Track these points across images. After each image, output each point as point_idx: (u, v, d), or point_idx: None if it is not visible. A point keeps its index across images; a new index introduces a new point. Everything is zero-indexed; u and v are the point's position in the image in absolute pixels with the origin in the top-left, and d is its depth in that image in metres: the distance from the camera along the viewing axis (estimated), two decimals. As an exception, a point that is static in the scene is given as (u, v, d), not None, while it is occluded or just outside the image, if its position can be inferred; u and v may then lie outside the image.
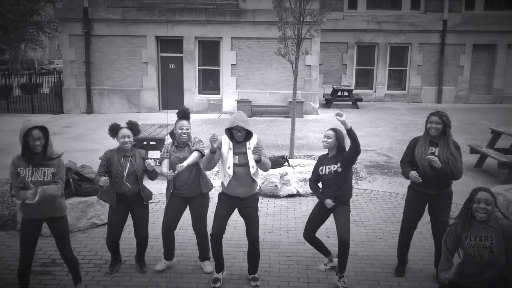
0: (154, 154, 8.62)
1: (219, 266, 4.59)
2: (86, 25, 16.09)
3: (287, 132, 11.50)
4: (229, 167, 4.34)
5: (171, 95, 16.84)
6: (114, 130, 4.63)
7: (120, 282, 4.68)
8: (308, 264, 5.06)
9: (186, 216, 4.88)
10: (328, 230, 5.64)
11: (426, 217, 4.76)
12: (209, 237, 4.50)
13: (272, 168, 7.56)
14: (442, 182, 4.47)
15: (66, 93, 16.84)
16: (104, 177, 4.33)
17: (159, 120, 13.13)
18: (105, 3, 16.11)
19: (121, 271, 4.88)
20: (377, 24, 19.18)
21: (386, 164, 9.57)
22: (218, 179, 6.61)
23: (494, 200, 3.27)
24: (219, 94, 16.86)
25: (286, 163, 7.78)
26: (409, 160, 4.62)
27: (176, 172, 4.44)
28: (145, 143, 8.67)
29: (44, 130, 3.94)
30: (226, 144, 4.39)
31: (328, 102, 18.25)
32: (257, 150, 4.20)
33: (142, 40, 16.36)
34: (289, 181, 7.38)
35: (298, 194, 7.41)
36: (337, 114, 4.26)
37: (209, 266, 4.89)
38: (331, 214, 4.65)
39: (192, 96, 16.74)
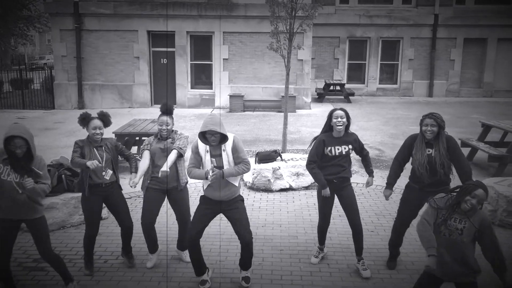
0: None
1: (199, 270, 4.44)
2: (76, 20, 15.95)
3: (280, 126, 11.52)
4: (212, 167, 4.21)
5: (163, 90, 16.78)
6: (85, 120, 4.51)
7: (113, 277, 4.69)
8: (301, 258, 5.10)
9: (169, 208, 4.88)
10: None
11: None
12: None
13: (265, 162, 7.59)
14: (436, 183, 4.45)
15: (57, 88, 16.71)
16: (93, 161, 4.28)
17: (151, 115, 13.11)
18: (96, -3, 16.00)
19: (114, 267, 4.89)
20: (369, 18, 19.21)
21: (378, 158, 9.63)
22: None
23: (485, 199, 3.35)
24: (211, 89, 16.82)
25: (279, 158, 7.81)
26: (403, 158, 4.66)
27: (160, 175, 4.39)
28: (137, 138, 8.65)
29: (26, 140, 3.84)
30: (202, 147, 4.28)
31: (320, 97, 18.29)
32: (214, 173, 4.09)
33: (133, 34, 16.26)
34: (282, 176, 7.41)
35: (290, 188, 7.44)
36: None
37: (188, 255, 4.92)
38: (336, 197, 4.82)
39: (185, 91, 16.70)
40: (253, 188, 7.45)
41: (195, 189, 7.33)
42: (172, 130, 4.73)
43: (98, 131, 4.48)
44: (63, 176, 5.96)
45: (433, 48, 19.26)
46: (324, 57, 19.97)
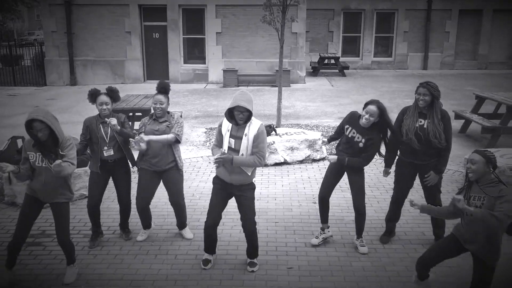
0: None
1: (211, 249, 4.41)
2: (66, -6, 15.64)
3: (274, 101, 11.49)
4: (225, 150, 4.08)
5: (156, 65, 16.61)
6: (93, 96, 4.56)
7: (110, 251, 4.74)
8: (296, 230, 5.17)
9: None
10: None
11: (415, 187, 4.83)
12: (203, 229, 4.31)
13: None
14: (429, 153, 4.46)
15: (48, 64, 16.50)
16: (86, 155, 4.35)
17: (144, 91, 13.01)
18: (85, -30, 15.64)
19: (111, 241, 4.94)
20: (364, -10, 18.98)
21: (372, 131, 9.65)
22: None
23: (482, 160, 3.32)
24: (204, 63, 16.67)
25: (273, 132, 7.82)
26: (399, 129, 4.57)
27: (135, 141, 4.38)
28: (130, 114, 8.61)
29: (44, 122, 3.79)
30: (226, 125, 4.12)
31: (315, 70, 18.19)
32: (220, 156, 3.93)
33: (124, 9, 15.98)
34: (277, 150, 7.43)
35: (285, 163, 7.48)
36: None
37: (189, 232, 4.99)
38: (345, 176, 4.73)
39: (178, 66, 16.54)
40: (248, 162, 7.48)
41: (190, 164, 7.36)
42: (168, 112, 4.70)
43: (105, 107, 4.51)
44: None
45: (428, 20, 19.10)
46: (318, 30, 19.77)
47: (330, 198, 4.82)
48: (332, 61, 18.12)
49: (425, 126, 4.40)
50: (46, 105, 12.86)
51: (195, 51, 16.87)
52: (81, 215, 5.58)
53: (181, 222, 4.98)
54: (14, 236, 4.04)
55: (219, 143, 4.20)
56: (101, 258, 4.59)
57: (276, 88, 10.51)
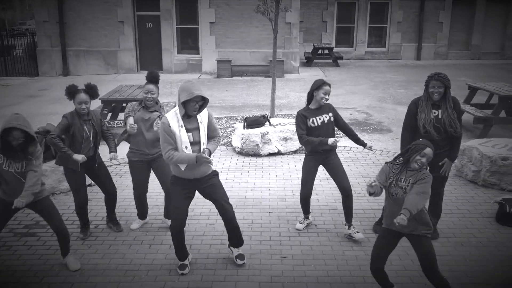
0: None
1: (182, 255, 4.16)
2: (57, -17, 15.45)
3: (268, 91, 11.48)
4: (186, 147, 3.81)
5: (149, 56, 16.51)
6: (71, 93, 4.42)
7: (104, 241, 4.76)
8: (289, 219, 5.21)
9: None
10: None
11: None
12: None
13: (253, 127, 7.61)
14: (443, 143, 4.46)
15: (40, 54, 16.35)
16: (79, 155, 4.37)
17: (137, 81, 12.95)
18: (77, -41, 15.44)
19: (105, 231, 4.96)
20: (358, -20, 18.90)
21: (365, 122, 9.70)
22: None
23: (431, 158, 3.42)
24: (198, 54, 16.59)
25: (267, 123, 7.83)
26: (411, 124, 4.54)
27: (128, 128, 4.40)
28: (124, 104, 8.58)
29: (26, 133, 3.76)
30: (175, 122, 3.79)
31: (309, 61, 18.17)
32: (206, 156, 3.78)
33: (117, -2, 15.83)
34: (270, 140, 7.45)
35: (279, 153, 7.50)
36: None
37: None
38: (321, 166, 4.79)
39: (171, 56, 16.44)
40: (242, 153, 7.50)
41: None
42: (157, 102, 4.70)
43: (83, 106, 4.41)
44: (50, 143, 5.92)
45: (422, 10, 19.10)
46: (312, 20, 19.71)
47: (323, 188, 4.88)
48: (326, 51, 18.09)
49: (440, 116, 4.41)
50: (39, 96, 12.77)
51: (188, 41, 16.77)
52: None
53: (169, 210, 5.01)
54: None
55: (171, 144, 3.80)
56: (95, 248, 4.61)
57: (270, 79, 10.51)
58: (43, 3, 15.81)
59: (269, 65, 15.30)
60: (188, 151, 3.81)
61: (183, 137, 3.79)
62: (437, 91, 4.36)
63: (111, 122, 8.33)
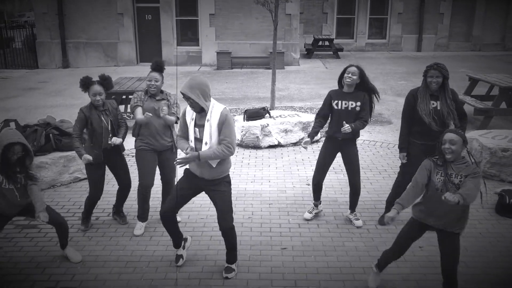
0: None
1: (178, 241, 4.15)
2: (56, -26, 15.35)
3: (268, 83, 11.45)
4: (191, 141, 3.79)
5: (149, 48, 16.45)
6: (86, 85, 4.44)
7: (105, 233, 4.78)
8: (289, 211, 5.23)
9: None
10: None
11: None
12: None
13: (253, 119, 7.61)
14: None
15: (40, 47, 16.29)
16: (88, 155, 4.37)
17: (137, 73, 12.92)
18: (75, -50, 15.33)
19: (106, 223, 4.97)
20: (358, -29, 18.79)
21: (365, 113, 9.68)
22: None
23: (461, 140, 3.31)
24: (198, 45, 16.53)
25: (267, 115, 7.82)
26: (410, 115, 4.53)
27: (147, 115, 4.36)
28: (124, 96, 8.58)
29: (25, 146, 3.79)
30: (189, 113, 3.80)
31: (309, 52, 18.10)
32: (187, 155, 3.63)
33: (116, -11, 15.75)
34: (270, 132, 7.45)
35: (279, 145, 7.51)
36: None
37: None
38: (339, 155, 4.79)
39: (171, 48, 16.39)
40: (242, 145, 7.50)
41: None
42: (162, 91, 4.67)
43: (98, 97, 4.42)
44: (50, 135, 5.93)
45: (423, 2, 18.99)
46: (312, 11, 19.61)
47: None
48: (326, 43, 18.01)
49: (438, 108, 4.39)
50: (39, 88, 12.75)
51: (188, 33, 16.70)
52: (75, 197, 5.60)
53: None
54: None
55: (184, 133, 3.87)
56: (96, 240, 4.63)
57: (270, 71, 10.48)
58: (42, -5, 15.73)
59: (269, 57, 15.25)
60: (193, 145, 3.78)
61: (190, 131, 3.80)
62: (435, 80, 4.33)
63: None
